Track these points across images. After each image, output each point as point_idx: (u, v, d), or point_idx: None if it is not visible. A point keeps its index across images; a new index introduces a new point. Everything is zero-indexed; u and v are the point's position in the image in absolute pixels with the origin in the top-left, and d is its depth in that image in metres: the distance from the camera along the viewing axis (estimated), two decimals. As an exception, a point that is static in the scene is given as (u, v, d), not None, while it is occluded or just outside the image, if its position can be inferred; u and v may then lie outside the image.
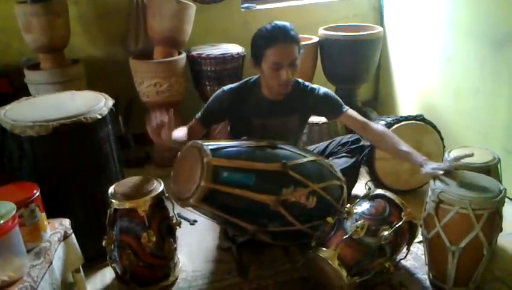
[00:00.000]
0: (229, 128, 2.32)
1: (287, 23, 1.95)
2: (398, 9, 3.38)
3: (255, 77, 2.11)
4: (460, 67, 2.79)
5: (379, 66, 3.43)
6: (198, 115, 2.13)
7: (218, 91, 2.10)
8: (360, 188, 2.53)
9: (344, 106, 2.11)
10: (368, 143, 2.39)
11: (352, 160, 2.29)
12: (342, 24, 3.30)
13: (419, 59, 3.17)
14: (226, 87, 2.09)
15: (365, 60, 3.11)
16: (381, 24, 3.49)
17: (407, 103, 3.41)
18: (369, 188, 2.54)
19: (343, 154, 2.32)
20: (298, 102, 2.10)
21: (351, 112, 2.10)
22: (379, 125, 2.16)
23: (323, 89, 2.12)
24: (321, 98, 2.11)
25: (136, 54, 2.92)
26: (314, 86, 2.14)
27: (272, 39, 1.90)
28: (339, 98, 2.14)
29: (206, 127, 2.15)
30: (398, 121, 2.49)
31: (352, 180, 2.30)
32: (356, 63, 3.10)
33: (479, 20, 2.60)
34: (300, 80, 2.12)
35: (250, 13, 3.29)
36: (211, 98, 2.12)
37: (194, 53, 2.92)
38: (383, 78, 3.66)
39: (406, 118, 2.51)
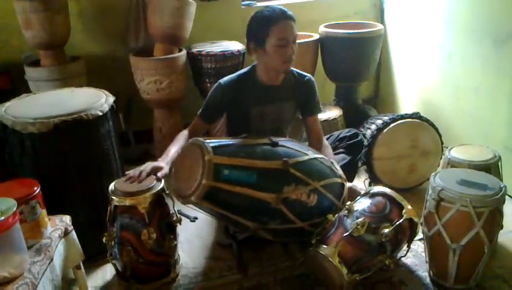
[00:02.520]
0: (226, 124, 2.32)
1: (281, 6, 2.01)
2: (398, 7, 3.38)
3: (248, 67, 2.14)
4: (461, 65, 2.79)
5: (379, 63, 3.43)
6: (199, 112, 2.14)
7: (216, 85, 2.11)
8: (359, 185, 2.53)
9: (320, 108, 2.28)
10: (365, 141, 2.44)
11: (350, 157, 2.29)
12: (342, 22, 3.30)
13: (419, 57, 3.17)
14: (222, 80, 2.10)
15: (366, 58, 3.10)
16: (382, 22, 3.49)
17: (407, 101, 3.41)
18: (370, 183, 2.54)
19: (341, 150, 2.32)
20: (294, 88, 2.15)
21: (319, 115, 2.30)
22: (325, 140, 2.29)
23: (315, 84, 2.22)
24: (313, 92, 2.21)
25: (136, 51, 2.91)
26: (309, 75, 2.21)
27: (275, 17, 1.94)
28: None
29: (208, 122, 2.16)
30: (394, 120, 2.49)
31: (350, 177, 2.30)
32: (357, 60, 3.09)
33: (480, 17, 2.60)
34: (294, 69, 2.16)
35: (251, 10, 3.26)
36: (210, 93, 2.13)
37: (194, 50, 2.91)
38: (384, 76, 3.66)
39: (402, 117, 2.51)
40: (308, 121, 2.25)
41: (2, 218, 1.35)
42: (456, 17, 2.79)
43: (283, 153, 1.83)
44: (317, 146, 2.18)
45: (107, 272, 1.99)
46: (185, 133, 2.10)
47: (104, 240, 1.81)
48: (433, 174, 1.82)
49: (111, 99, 2.05)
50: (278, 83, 2.10)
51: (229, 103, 2.10)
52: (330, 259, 1.67)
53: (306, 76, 2.19)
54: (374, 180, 2.55)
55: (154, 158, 2.99)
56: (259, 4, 3.35)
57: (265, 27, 1.95)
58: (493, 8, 2.50)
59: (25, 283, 1.40)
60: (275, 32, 1.93)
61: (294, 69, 2.17)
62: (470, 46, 2.68)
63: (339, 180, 1.96)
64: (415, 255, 2.01)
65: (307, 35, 3.09)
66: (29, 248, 1.53)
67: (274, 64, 2.01)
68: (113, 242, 1.81)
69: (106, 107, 1.96)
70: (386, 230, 1.72)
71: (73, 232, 1.77)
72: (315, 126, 2.26)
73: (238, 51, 2.91)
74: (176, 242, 1.92)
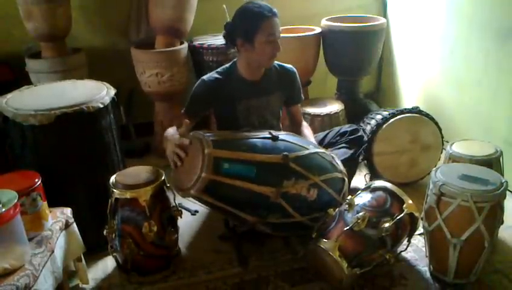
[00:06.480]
0: (215, 124, 2.31)
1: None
2: (401, 0, 3.35)
3: (229, 63, 2.16)
4: (463, 59, 2.77)
5: (382, 57, 3.41)
6: (184, 109, 2.13)
7: (199, 82, 2.11)
8: (359, 179, 2.54)
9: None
10: (365, 137, 2.44)
11: (351, 151, 2.28)
12: (345, 15, 3.28)
13: (422, 51, 3.16)
14: (205, 77, 2.11)
15: (368, 52, 3.09)
16: (385, 15, 3.47)
17: (409, 95, 3.40)
18: (370, 178, 2.54)
19: (342, 145, 2.32)
20: (276, 80, 2.16)
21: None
22: (307, 125, 2.37)
23: (297, 74, 2.24)
24: (296, 83, 2.24)
25: (137, 44, 2.90)
26: (291, 66, 2.23)
27: (264, 13, 1.96)
28: None
29: (193, 119, 2.11)
30: (394, 115, 2.48)
31: (351, 171, 2.29)
32: (359, 54, 3.08)
33: (482, 11, 2.58)
34: (275, 61, 2.17)
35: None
36: (193, 89, 2.13)
37: (195, 43, 2.91)
38: (386, 70, 3.64)
39: (402, 112, 2.50)
40: (292, 110, 2.33)
41: (3, 210, 1.35)
42: (458, 12, 2.78)
43: (283, 147, 1.83)
44: (298, 129, 2.30)
45: (107, 264, 2.00)
46: (170, 131, 2.05)
47: (104, 232, 1.82)
48: (434, 169, 1.82)
49: (112, 91, 2.05)
50: (259, 78, 2.12)
51: (213, 100, 2.10)
52: (330, 253, 1.67)
53: (289, 67, 2.22)
54: (375, 175, 2.55)
55: (155, 151, 3.01)
56: (261, -3, 3.32)
57: (255, 23, 1.95)
58: (496, 2, 2.49)
59: (26, 274, 1.41)
60: (263, 29, 1.94)
61: (276, 61, 2.18)
62: (473, 41, 2.67)
63: (339, 175, 1.96)
64: (415, 250, 2.01)
65: (309, 29, 3.08)
66: (30, 239, 1.54)
67: (260, 59, 2.02)
68: (113, 235, 1.82)
69: (107, 100, 1.96)
70: (387, 224, 1.72)
71: (74, 225, 1.78)
72: (298, 113, 2.36)
73: (240, 44, 2.89)
74: (176, 235, 1.92)
